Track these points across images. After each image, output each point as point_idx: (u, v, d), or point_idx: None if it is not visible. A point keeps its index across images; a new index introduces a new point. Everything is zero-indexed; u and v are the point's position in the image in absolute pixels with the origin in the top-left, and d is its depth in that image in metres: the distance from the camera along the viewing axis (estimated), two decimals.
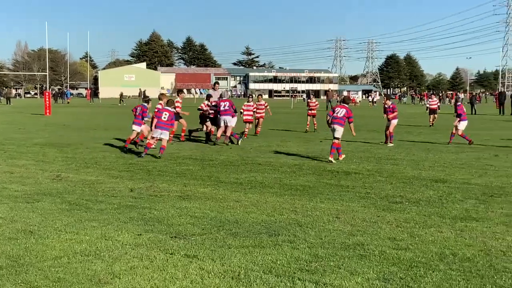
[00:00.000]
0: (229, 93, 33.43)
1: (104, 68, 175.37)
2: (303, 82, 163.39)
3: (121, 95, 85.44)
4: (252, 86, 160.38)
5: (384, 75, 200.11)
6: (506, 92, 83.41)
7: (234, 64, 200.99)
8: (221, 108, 22.24)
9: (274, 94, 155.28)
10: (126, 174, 14.52)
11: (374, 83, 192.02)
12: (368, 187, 12.75)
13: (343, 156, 17.49)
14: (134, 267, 6.94)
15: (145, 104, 20.67)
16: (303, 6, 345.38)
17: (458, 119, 23.14)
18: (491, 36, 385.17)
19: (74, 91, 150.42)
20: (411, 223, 9.29)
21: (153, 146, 18.69)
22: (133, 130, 20.08)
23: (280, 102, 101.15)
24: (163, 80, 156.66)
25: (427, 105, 39.15)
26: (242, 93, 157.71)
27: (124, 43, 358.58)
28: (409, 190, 12.40)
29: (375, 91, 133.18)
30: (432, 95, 41.90)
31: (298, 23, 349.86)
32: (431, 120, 36.44)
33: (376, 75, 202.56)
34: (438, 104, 39.04)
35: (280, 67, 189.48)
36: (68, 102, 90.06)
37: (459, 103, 24.11)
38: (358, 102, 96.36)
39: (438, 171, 15.18)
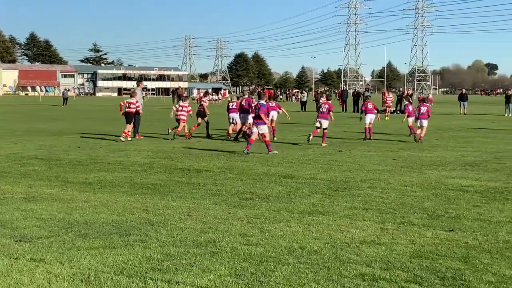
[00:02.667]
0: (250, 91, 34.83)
1: None
2: (153, 79, 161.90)
3: None
4: (100, 83, 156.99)
5: (233, 73, 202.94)
6: (348, 90, 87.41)
7: (82, 61, 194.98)
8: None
9: (124, 91, 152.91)
10: None
11: (224, 81, 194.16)
12: (219, 184, 12.86)
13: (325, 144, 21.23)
14: None
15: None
16: (151, 3, 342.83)
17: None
18: (334, 37, 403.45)
19: None
20: (261, 219, 9.48)
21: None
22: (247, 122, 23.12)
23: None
24: (5, 77, 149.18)
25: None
26: (91, 91, 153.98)
27: None
28: (259, 186, 12.65)
29: (225, 89, 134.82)
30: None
31: (147, 21, 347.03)
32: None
33: (225, 73, 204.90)
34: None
35: (129, 65, 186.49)
36: None
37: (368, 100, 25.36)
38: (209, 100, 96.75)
39: (286, 167, 15.61)
